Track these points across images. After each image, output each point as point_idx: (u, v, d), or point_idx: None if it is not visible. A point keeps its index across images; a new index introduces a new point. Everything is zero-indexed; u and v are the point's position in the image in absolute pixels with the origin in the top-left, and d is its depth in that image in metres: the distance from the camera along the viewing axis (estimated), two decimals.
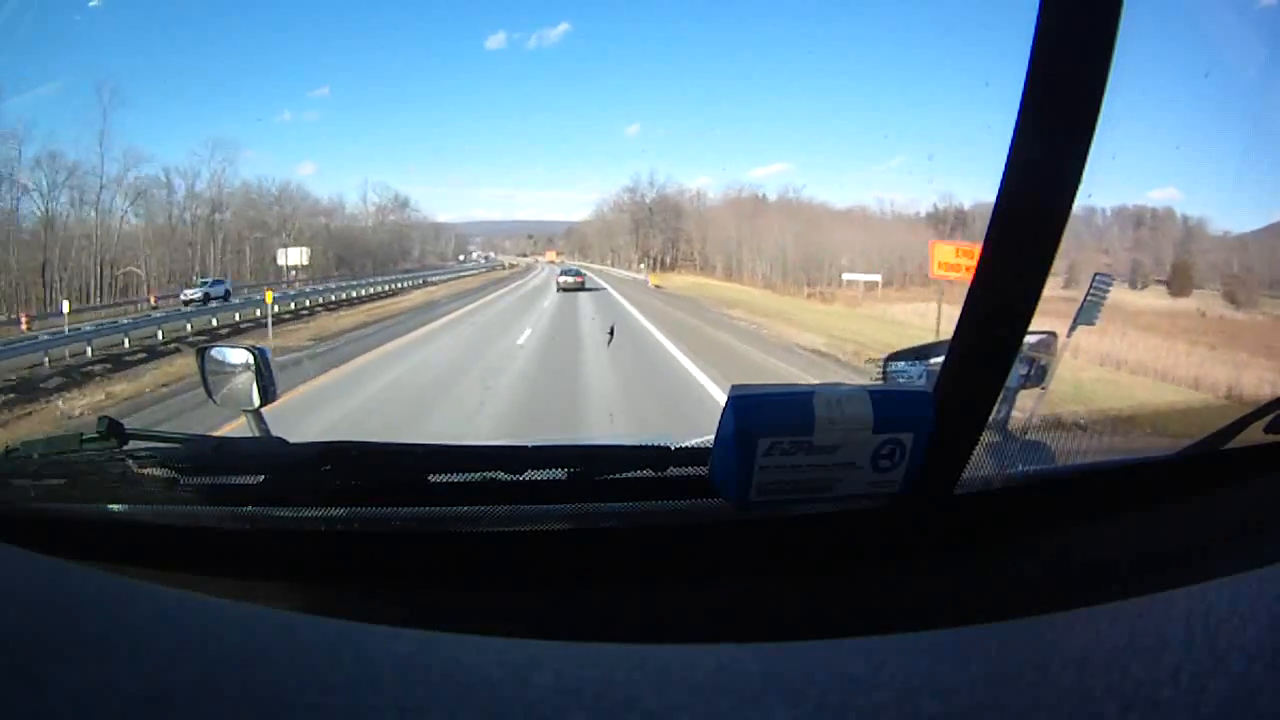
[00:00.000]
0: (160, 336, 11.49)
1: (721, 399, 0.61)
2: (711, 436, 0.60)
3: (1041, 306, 0.56)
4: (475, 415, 5.89)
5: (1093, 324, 1.15)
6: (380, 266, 24.95)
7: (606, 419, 5.76)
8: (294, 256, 20.32)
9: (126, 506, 0.71)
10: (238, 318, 14.11)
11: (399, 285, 21.79)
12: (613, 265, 30.99)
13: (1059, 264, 0.57)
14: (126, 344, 10.86)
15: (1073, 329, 1.12)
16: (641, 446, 0.69)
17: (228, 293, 17.05)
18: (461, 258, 30.41)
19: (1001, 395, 0.70)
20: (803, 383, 0.59)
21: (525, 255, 33.53)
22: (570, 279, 21.32)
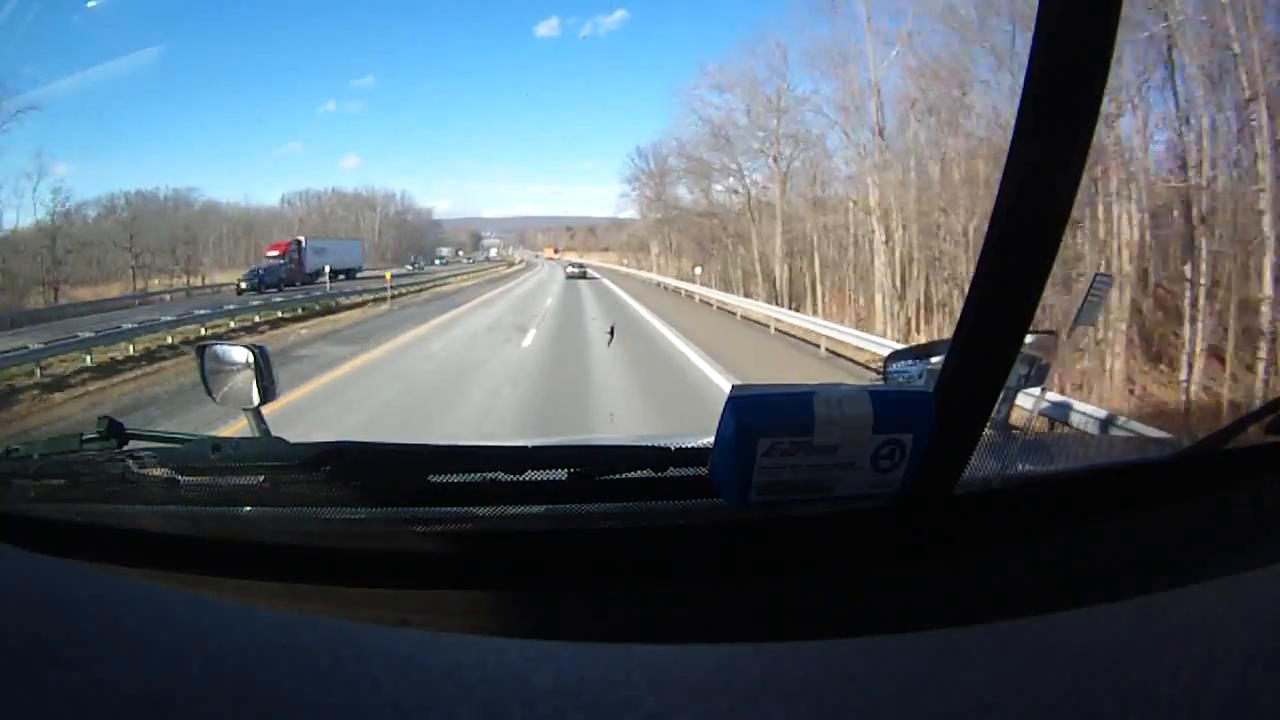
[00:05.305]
0: None
1: None
2: (711, 437, 0.60)
3: None
4: None
5: (1093, 324, 1.15)
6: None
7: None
8: None
9: (126, 507, 0.71)
10: None
11: None
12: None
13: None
14: None
15: (1073, 329, 1.13)
16: (641, 447, 0.69)
17: None
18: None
19: (1001, 395, 0.70)
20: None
21: (557, 251, 31.72)
22: (575, 269, 22.91)
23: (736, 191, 16.46)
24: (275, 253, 23.29)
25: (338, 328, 13.30)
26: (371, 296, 18.42)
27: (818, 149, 14.48)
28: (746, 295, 14.74)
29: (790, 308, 12.98)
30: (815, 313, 12.49)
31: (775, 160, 14.96)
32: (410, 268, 29.76)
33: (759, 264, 15.26)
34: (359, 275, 24.87)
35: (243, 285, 20.55)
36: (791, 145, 14.94)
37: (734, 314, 13.17)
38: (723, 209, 17.37)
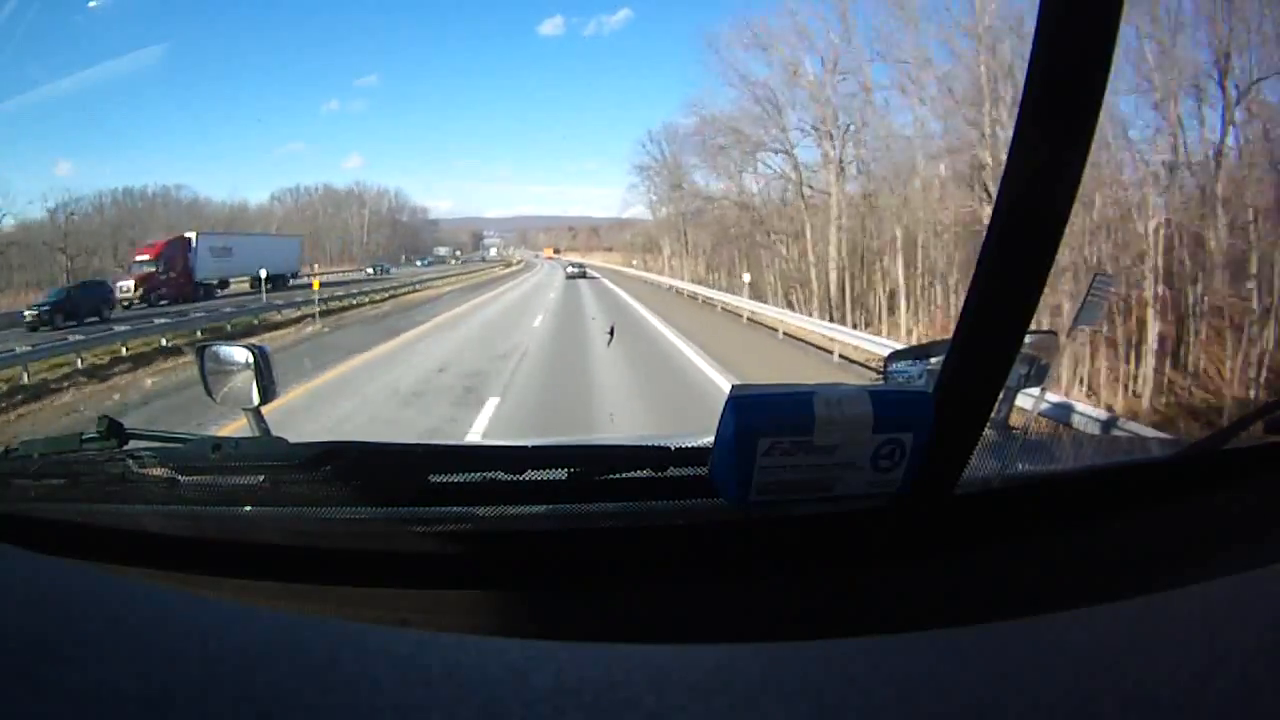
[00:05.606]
0: None
1: None
2: (711, 437, 0.60)
3: None
4: None
5: (1093, 324, 1.15)
6: None
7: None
8: None
9: (126, 507, 0.71)
10: None
11: None
12: None
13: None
14: None
15: (1073, 329, 1.13)
16: (641, 447, 0.69)
17: None
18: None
19: (1001, 395, 0.70)
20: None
21: (558, 251, 31.48)
22: (574, 269, 23.26)
23: (790, 176, 11.63)
24: (144, 256, 16.36)
25: (180, 382, 8.14)
26: (313, 310, 14.23)
27: (888, 119, 10.19)
28: (789, 307, 11.22)
29: (859, 327, 9.55)
30: (908, 335, 8.85)
31: (830, 134, 10.92)
32: (371, 271, 24.99)
33: (815, 269, 11.21)
34: (292, 283, 18.78)
35: (28, 315, 13.86)
36: (855, 108, 10.20)
37: (830, 354, 9.15)
38: (756, 199, 12.72)
